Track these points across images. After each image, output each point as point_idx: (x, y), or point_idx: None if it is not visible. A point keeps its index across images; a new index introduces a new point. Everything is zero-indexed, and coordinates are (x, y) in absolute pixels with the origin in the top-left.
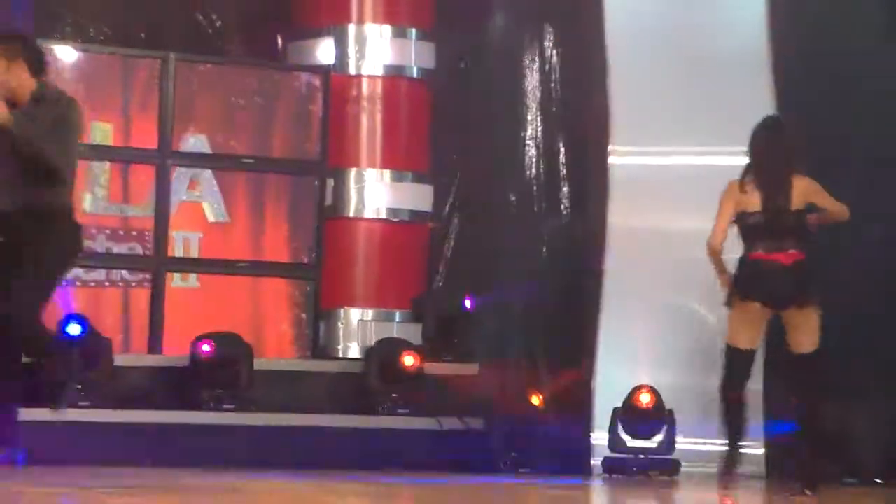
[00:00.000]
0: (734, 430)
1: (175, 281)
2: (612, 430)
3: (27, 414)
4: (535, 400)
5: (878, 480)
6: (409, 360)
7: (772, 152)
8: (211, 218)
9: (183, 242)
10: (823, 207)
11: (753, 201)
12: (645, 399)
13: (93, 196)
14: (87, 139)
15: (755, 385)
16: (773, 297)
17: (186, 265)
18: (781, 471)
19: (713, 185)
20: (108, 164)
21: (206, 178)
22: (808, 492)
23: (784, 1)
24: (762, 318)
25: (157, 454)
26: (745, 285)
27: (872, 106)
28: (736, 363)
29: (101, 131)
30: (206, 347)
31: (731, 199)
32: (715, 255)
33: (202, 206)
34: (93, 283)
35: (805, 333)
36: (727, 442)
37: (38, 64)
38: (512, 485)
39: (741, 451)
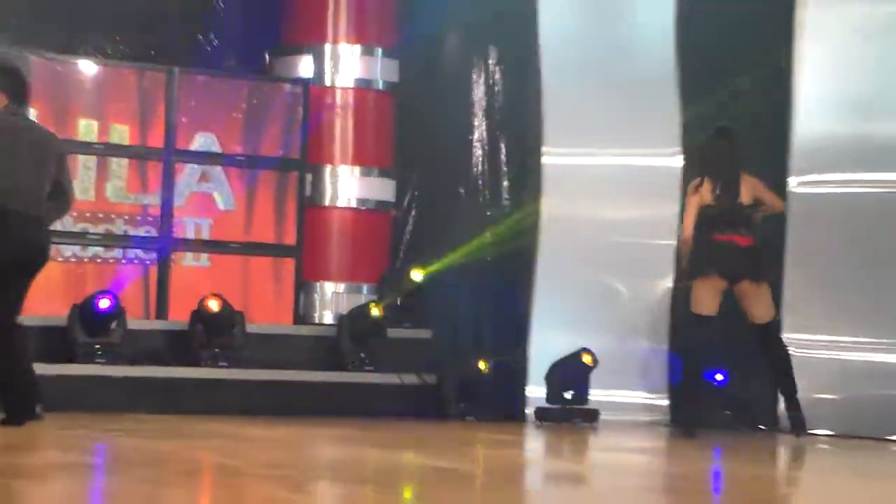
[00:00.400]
0: (698, 390)
1: (187, 260)
2: (548, 385)
3: (50, 369)
4: (481, 363)
5: (762, 427)
6: (375, 311)
7: (724, 156)
8: (221, 206)
9: (195, 227)
10: (766, 201)
11: (708, 197)
12: (587, 359)
13: (113, 187)
14: (106, 139)
15: (663, 345)
16: (731, 272)
17: (188, 245)
18: (688, 418)
19: (629, 181)
20: (125, 161)
21: (216, 172)
22: (701, 435)
23: (687, 37)
24: (721, 289)
25: (162, 404)
26: (708, 262)
27: (763, 119)
28: (702, 328)
29: (118, 132)
30: (212, 302)
31: (693, 199)
32: (688, 243)
33: (213, 196)
34: (112, 261)
35: (761, 306)
36: (691, 401)
37: (17, 93)
38: (460, 430)
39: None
